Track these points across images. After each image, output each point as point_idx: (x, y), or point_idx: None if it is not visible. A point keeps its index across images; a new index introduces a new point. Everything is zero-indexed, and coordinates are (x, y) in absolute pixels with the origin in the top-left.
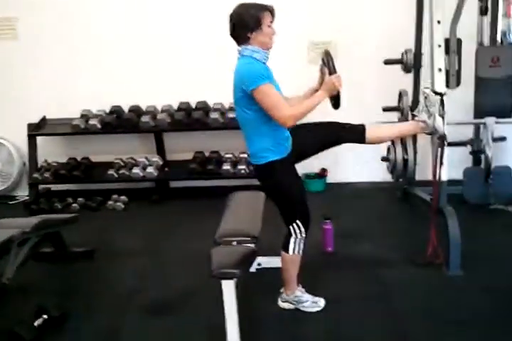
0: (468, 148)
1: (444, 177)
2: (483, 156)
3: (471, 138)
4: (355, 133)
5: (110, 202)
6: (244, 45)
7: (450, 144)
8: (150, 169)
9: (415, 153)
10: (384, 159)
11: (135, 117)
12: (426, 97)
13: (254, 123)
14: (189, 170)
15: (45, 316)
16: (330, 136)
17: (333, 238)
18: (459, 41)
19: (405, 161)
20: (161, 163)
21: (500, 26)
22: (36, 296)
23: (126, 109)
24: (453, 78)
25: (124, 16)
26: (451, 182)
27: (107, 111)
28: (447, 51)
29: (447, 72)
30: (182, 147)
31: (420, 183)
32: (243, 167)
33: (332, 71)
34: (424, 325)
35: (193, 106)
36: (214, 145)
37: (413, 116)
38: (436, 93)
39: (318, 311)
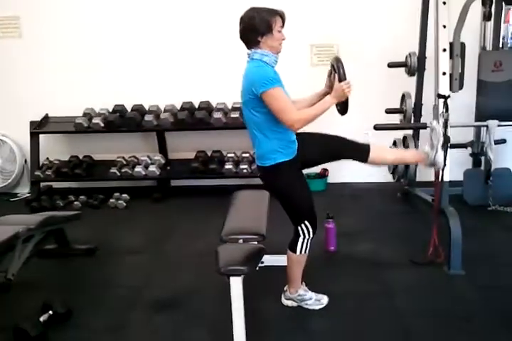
0: (469, 150)
1: (446, 179)
2: (483, 158)
3: (471, 140)
4: (359, 152)
5: (112, 200)
6: (254, 49)
7: (451, 146)
8: (152, 168)
9: None
10: None
11: (138, 116)
12: (432, 130)
13: (262, 125)
14: (191, 169)
15: (50, 312)
16: (334, 150)
17: (335, 237)
18: (463, 45)
19: None
20: (163, 161)
21: (502, 31)
22: (41, 292)
23: (129, 108)
24: (456, 82)
25: (129, 15)
26: (451, 183)
27: (110, 110)
28: (451, 55)
29: (450, 76)
30: (184, 146)
31: (420, 184)
32: (245, 166)
33: (342, 78)
34: (425, 323)
35: (196, 105)
36: (216, 145)
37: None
38: (440, 96)
39: (320, 309)
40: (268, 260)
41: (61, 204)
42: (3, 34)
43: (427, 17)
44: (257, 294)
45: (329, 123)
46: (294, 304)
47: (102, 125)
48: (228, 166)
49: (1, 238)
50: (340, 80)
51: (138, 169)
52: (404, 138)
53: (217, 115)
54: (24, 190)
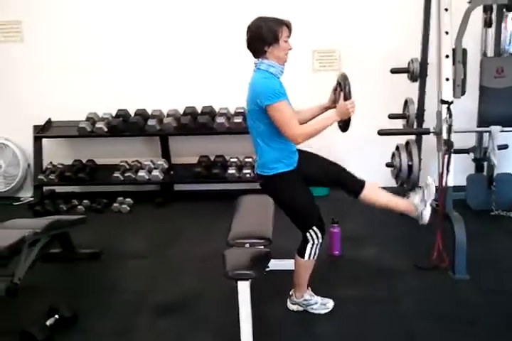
0: (471, 155)
1: (451, 184)
2: (485, 163)
3: (473, 145)
4: (353, 186)
5: (115, 205)
6: (261, 59)
7: (453, 152)
8: (155, 172)
9: (420, 159)
10: (389, 165)
11: (141, 121)
12: (427, 186)
13: (265, 135)
14: (194, 174)
15: (56, 316)
16: (333, 174)
17: (340, 242)
18: (465, 51)
19: (410, 167)
20: (166, 166)
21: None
22: (46, 296)
23: (132, 112)
24: (458, 88)
25: (132, 20)
26: (454, 189)
27: (113, 114)
28: (453, 61)
29: (453, 82)
30: (187, 151)
31: None
32: (248, 171)
33: (348, 96)
34: (429, 327)
35: (199, 110)
36: (219, 150)
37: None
38: (443, 102)
39: (326, 313)
40: (273, 264)
41: (64, 208)
42: (5, 38)
43: (429, 23)
44: (263, 298)
45: (332, 128)
46: (300, 308)
47: (106, 129)
48: (231, 171)
49: (8, 242)
50: (345, 99)
51: (141, 173)
52: (407, 143)
53: (220, 120)
54: (27, 194)
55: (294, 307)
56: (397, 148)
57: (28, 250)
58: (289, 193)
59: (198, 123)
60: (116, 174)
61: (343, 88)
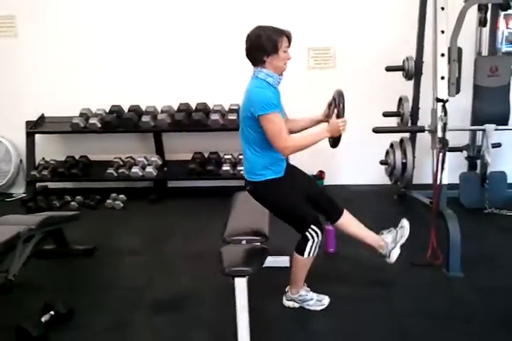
0: (464, 153)
1: (445, 181)
2: (478, 161)
3: (467, 143)
4: (332, 214)
5: (109, 201)
6: (260, 67)
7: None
8: (149, 169)
9: (414, 157)
10: (383, 162)
11: (135, 117)
12: (401, 227)
13: (255, 143)
14: (189, 171)
15: (52, 312)
16: (315, 193)
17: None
18: (460, 50)
19: (404, 165)
20: (160, 162)
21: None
22: (41, 293)
23: (126, 109)
24: (453, 86)
25: (126, 15)
26: (447, 186)
27: (107, 110)
28: (448, 60)
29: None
30: (181, 147)
31: (417, 187)
32: (242, 168)
33: (341, 115)
34: (424, 324)
35: (193, 107)
36: (213, 146)
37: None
38: (438, 100)
39: (321, 309)
40: (268, 261)
41: (57, 204)
42: None
43: (425, 22)
44: (258, 295)
45: None
46: (296, 305)
47: (99, 125)
48: (225, 168)
49: (2, 238)
50: (338, 116)
51: (135, 170)
52: (401, 141)
53: (214, 117)
54: (19, 190)
55: (290, 304)
56: (392, 145)
57: (23, 246)
58: (278, 199)
59: (192, 119)
60: (110, 170)
61: (337, 105)
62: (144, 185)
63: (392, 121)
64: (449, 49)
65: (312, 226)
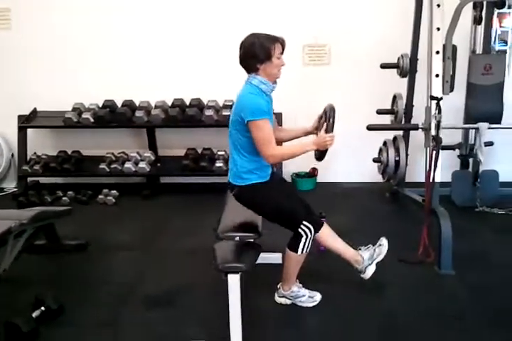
0: (457, 151)
1: (438, 179)
2: (471, 160)
3: (459, 142)
4: (314, 219)
5: (101, 196)
6: (254, 74)
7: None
8: (142, 164)
9: (407, 155)
10: (376, 160)
11: (129, 112)
12: (379, 245)
13: (243, 147)
14: (182, 167)
15: (42, 308)
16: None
17: None
18: (454, 48)
19: (397, 162)
20: (153, 158)
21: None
22: (31, 288)
23: (119, 103)
24: (447, 84)
25: (120, 10)
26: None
27: (100, 105)
28: (443, 57)
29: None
30: (175, 143)
31: (409, 184)
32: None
33: (329, 130)
34: (415, 321)
35: (188, 102)
36: (207, 143)
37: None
38: (433, 98)
39: (313, 306)
40: (260, 257)
41: (49, 199)
42: None
43: (420, 19)
44: (250, 292)
45: None
46: (288, 302)
47: (92, 120)
48: (219, 164)
49: None
50: (326, 131)
51: (127, 165)
52: (395, 138)
53: (208, 112)
54: (10, 185)
55: (282, 300)
56: (385, 143)
57: (14, 241)
58: (265, 201)
59: (186, 115)
60: (102, 165)
61: (327, 119)
62: (136, 181)
63: (386, 119)
64: (444, 46)
65: (304, 222)
